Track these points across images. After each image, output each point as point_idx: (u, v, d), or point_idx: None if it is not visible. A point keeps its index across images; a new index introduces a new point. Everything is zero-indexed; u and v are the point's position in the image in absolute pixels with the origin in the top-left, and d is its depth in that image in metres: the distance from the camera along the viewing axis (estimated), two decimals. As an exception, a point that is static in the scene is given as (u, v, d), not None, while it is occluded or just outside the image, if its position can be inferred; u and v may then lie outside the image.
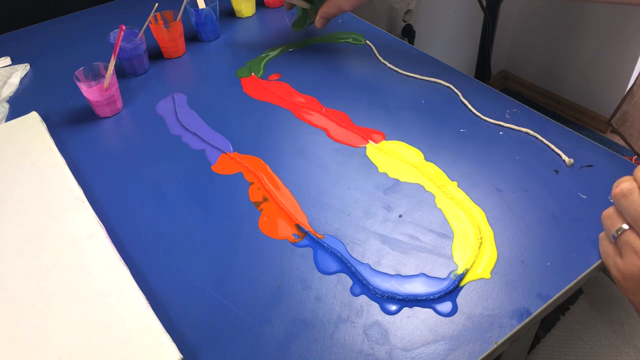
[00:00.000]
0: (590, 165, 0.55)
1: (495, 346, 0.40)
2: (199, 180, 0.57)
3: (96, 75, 0.68)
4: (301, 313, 0.43)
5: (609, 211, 0.41)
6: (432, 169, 0.56)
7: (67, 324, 0.42)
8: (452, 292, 0.44)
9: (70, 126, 0.67)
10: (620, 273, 0.40)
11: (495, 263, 0.46)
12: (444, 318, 0.42)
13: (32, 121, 0.67)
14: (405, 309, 0.43)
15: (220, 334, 0.42)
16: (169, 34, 0.78)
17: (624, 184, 0.38)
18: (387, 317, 0.42)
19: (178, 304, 0.45)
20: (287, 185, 0.56)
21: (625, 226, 0.39)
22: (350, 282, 0.45)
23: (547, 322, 0.61)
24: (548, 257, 0.46)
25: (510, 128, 0.61)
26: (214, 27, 0.84)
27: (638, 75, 1.04)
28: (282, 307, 0.44)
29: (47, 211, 0.53)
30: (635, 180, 0.38)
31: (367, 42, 0.80)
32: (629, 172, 0.54)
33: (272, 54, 0.80)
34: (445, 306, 0.43)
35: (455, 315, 0.42)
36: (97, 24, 0.93)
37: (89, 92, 0.66)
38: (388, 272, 0.46)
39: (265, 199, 0.54)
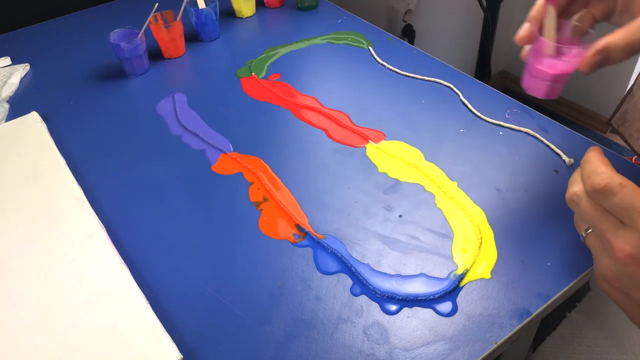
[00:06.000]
0: (590, 165, 0.55)
1: (495, 346, 0.40)
2: (199, 180, 0.57)
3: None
4: (301, 313, 0.43)
5: (575, 216, 0.40)
6: (432, 169, 0.56)
7: (67, 323, 0.42)
8: (452, 292, 0.44)
9: (70, 126, 0.67)
10: (595, 275, 0.39)
11: (495, 263, 0.46)
12: (444, 318, 0.42)
13: (32, 121, 0.67)
14: (405, 309, 0.43)
15: (220, 334, 0.42)
16: (169, 34, 0.78)
17: (572, 189, 0.37)
18: (387, 317, 0.42)
19: (178, 304, 0.45)
20: (287, 185, 0.56)
21: (589, 230, 0.38)
22: (350, 282, 0.45)
23: (553, 319, 0.61)
24: (548, 257, 0.46)
25: (510, 128, 0.61)
26: (214, 27, 0.84)
27: (638, 75, 1.04)
28: (282, 307, 0.44)
29: (47, 211, 0.53)
30: (582, 179, 0.36)
31: (369, 47, 0.80)
32: (629, 172, 0.54)
33: (274, 54, 0.80)
34: (445, 306, 0.43)
35: (455, 315, 0.42)
36: (97, 24, 0.93)
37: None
38: (388, 272, 0.46)
39: (265, 199, 0.54)
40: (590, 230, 0.38)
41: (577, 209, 0.37)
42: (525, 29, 0.45)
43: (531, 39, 0.45)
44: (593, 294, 0.62)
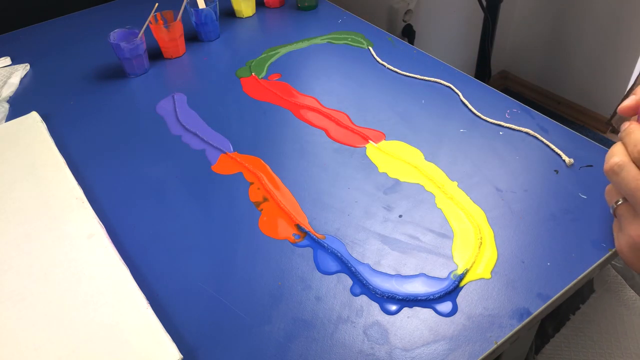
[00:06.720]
0: (591, 165, 0.55)
1: (495, 346, 0.40)
2: (199, 180, 0.57)
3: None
4: (301, 313, 0.43)
5: (609, 187, 0.42)
6: (432, 169, 0.56)
7: (67, 323, 0.42)
8: (452, 292, 0.44)
9: (70, 126, 0.67)
10: (620, 244, 0.41)
11: (495, 263, 0.46)
12: (444, 318, 0.42)
13: (32, 121, 0.67)
14: (405, 309, 0.43)
15: (220, 334, 0.42)
16: (169, 34, 0.78)
17: (613, 160, 0.39)
18: (387, 317, 0.42)
19: (178, 304, 0.45)
20: (287, 185, 0.56)
21: (621, 200, 0.40)
22: (350, 282, 0.45)
23: (557, 321, 0.61)
24: (548, 257, 0.46)
25: (510, 128, 0.61)
26: (214, 27, 0.84)
27: (638, 75, 1.04)
28: (282, 307, 0.44)
29: (47, 211, 0.53)
30: (626, 148, 0.38)
31: (369, 47, 0.80)
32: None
33: (274, 54, 0.80)
34: (445, 306, 0.43)
35: (455, 315, 0.42)
36: (97, 24, 0.93)
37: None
38: (388, 272, 0.46)
39: (265, 199, 0.54)
40: (621, 201, 0.40)
41: (617, 178, 0.38)
42: (631, 99, 0.43)
43: (636, 110, 0.43)
44: (597, 296, 0.62)
